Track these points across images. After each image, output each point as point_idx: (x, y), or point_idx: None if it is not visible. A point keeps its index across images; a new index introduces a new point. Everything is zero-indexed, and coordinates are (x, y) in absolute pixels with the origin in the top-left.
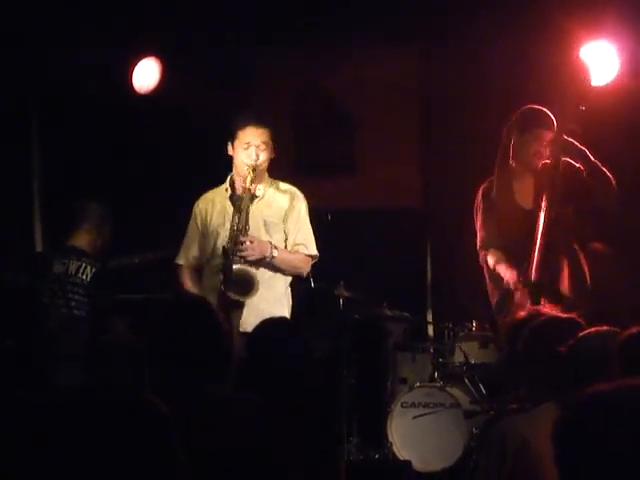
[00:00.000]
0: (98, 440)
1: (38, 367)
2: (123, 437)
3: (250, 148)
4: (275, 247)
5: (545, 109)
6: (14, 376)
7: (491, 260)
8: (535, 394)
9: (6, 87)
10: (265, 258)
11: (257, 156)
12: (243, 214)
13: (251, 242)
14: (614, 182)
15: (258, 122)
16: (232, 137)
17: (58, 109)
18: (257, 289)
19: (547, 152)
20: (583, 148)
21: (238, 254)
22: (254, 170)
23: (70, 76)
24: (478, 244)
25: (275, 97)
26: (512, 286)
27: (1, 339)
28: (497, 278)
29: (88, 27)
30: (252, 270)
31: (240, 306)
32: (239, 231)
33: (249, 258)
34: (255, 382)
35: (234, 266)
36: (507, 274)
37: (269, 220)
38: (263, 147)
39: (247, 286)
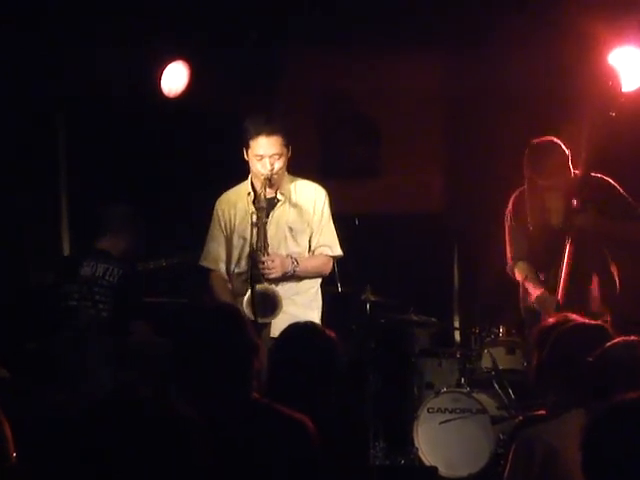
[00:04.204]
0: (122, 449)
1: (65, 368)
2: (147, 446)
3: (264, 159)
4: (296, 260)
5: (555, 139)
6: (38, 378)
7: (519, 274)
8: (563, 401)
9: (32, 91)
10: (287, 273)
11: (272, 166)
12: (261, 231)
13: (272, 261)
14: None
15: (269, 132)
16: (245, 145)
17: (84, 114)
18: (281, 308)
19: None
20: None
21: (260, 273)
22: (269, 179)
23: (95, 81)
24: (508, 255)
25: (301, 102)
26: (538, 307)
27: (25, 342)
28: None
29: (112, 31)
30: (274, 288)
31: None
32: (258, 250)
33: (271, 277)
34: (281, 386)
35: (257, 287)
36: (534, 294)
37: (294, 226)
38: (277, 157)
39: (271, 306)
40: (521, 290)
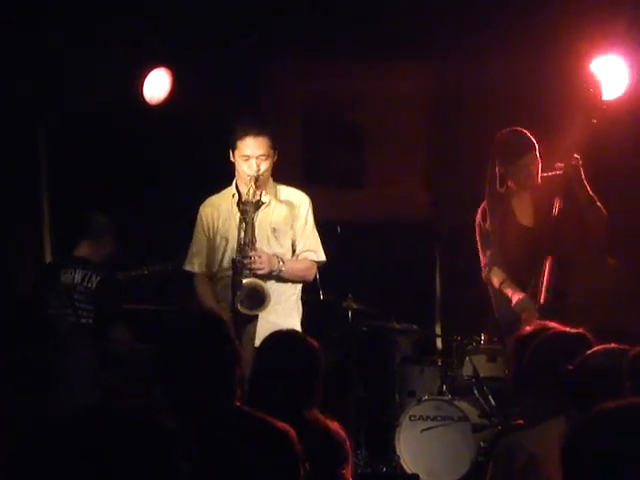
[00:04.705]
0: (102, 458)
1: (47, 375)
2: (128, 456)
3: (250, 160)
4: (282, 260)
5: (523, 130)
6: (24, 384)
7: (495, 280)
8: (542, 409)
9: (14, 98)
10: (273, 271)
11: (258, 167)
12: (249, 227)
13: (259, 256)
14: (606, 219)
15: (257, 132)
16: (232, 146)
17: (66, 120)
18: (269, 301)
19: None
20: (584, 181)
21: (247, 267)
22: (256, 180)
23: (77, 88)
24: (482, 262)
25: (284, 108)
26: (519, 311)
27: (11, 348)
28: (504, 298)
29: (97, 40)
30: (262, 282)
31: (254, 320)
32: (246, 245)
33: (258, 272)
34: (263, 394)
35: (244, 280)
36: (515, 298)
37: (277, 227)
38: (263, 158)
39: (258, 299)
40: (493, 300)
